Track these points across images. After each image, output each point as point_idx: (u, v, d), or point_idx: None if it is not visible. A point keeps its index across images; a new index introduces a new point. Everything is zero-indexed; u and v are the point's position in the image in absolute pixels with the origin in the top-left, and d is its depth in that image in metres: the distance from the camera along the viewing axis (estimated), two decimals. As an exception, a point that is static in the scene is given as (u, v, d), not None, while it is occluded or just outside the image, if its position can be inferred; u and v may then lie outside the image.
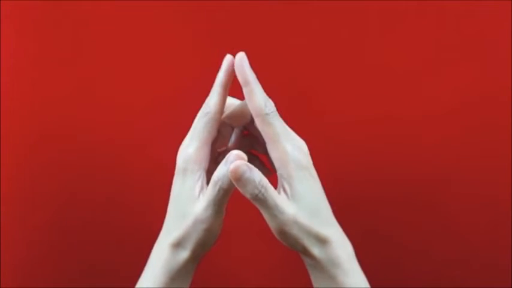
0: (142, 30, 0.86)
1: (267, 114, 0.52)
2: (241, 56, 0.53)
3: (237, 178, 0.50)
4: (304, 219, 0.52)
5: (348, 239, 0.55)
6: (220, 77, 0.54)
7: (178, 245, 0.54)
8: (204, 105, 0.54)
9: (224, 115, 0.56)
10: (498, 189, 0.85)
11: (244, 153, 0.51)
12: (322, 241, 0.52)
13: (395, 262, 0.88)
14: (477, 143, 0.85)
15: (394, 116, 0.86)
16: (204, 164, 0.54)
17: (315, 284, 0.55)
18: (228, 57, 0.54)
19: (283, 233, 0.52)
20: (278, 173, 0.53)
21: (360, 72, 0.85)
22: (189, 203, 0.53)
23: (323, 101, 0.86)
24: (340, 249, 0.53)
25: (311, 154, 0.55)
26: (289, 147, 0.53)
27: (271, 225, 0.52)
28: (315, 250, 0.52)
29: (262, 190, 0.50)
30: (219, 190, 0.51)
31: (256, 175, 0.50)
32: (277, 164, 0.53)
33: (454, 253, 0.87)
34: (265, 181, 0.51)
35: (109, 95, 0.87)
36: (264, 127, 0.53)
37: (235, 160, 0.50)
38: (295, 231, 0.52)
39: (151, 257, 0.57)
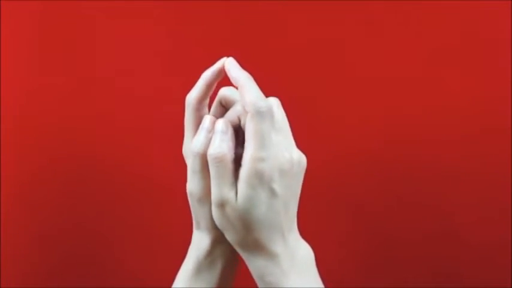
0: (143, 31, 0.86)
1: (257, 112, 0.50)
2: (229, 59, 0.55)
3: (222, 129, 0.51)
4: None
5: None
6: (207, 73, 0.55)
7: (197, 225, 0.55)
8: (187, 97, 0.55)
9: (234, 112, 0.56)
10: (498, 189, 0.85)
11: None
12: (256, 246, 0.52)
13: (395, 262, 0.88)
14: (477, 143, 0.85)
15: (394, 117, 0.86)
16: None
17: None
18: (222, 59, 0.55)
19: (220, 205, 0.51)
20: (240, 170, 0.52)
21: (360, 73, 0.85)
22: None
23: (323, 102, 0.86)
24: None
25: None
26: (257, 154, 0.50)
27: (211, 193, 0.52)
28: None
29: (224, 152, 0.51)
30: (194, 156, 0.52)
31: (229, 135, 0.51)
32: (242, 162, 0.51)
33: (454, 253, 0.87)
34: (229, 155, 0.51)
35: (109, 95, 0.87)
36: (248, 123, 0.50)
37: (210, 124, 0.52)
38: (227, 215, 0.51)
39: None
